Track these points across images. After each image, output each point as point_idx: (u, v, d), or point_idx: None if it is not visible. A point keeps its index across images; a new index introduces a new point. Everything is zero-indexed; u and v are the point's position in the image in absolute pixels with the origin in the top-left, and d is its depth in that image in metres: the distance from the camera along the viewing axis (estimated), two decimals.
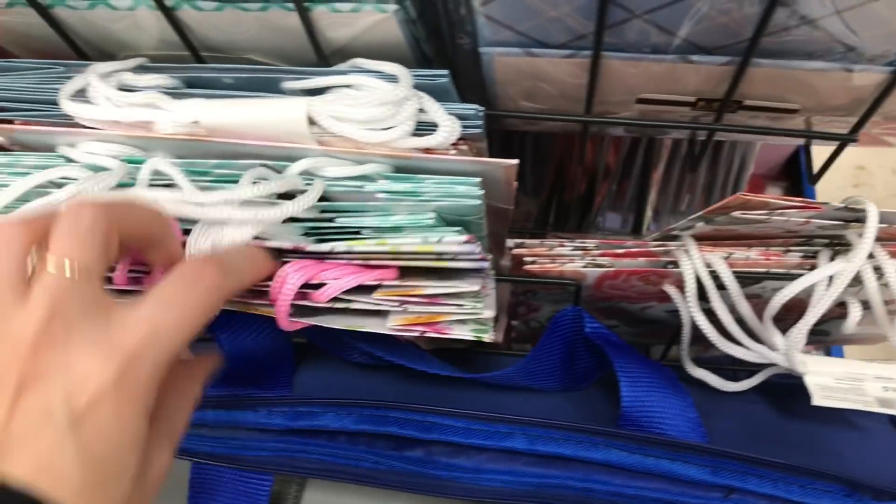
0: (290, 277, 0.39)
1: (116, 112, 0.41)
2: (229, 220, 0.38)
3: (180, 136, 0.41)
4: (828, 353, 0.87)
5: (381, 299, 0.40)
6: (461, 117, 0.40)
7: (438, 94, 0.41)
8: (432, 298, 0.40)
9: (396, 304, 0.40)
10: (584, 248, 0.47)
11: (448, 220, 0.41)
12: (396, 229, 0.41)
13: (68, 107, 0.41)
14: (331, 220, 0.41)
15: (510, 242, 0.50)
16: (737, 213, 0.42)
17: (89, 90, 0.41)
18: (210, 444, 0.48)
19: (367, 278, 0.40)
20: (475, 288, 0.40)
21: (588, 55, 0.40)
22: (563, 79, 0.43)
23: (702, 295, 0.46)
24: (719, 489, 0.44)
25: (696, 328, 0.48)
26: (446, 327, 0.40)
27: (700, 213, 0.44)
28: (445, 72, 0.40)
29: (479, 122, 0.41)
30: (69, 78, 0.42)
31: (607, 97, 0.44)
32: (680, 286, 0.48)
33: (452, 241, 0.38)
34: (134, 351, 0.29)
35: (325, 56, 0.43)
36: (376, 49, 0.42)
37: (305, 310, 0.41)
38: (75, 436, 0.27)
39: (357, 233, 0.42)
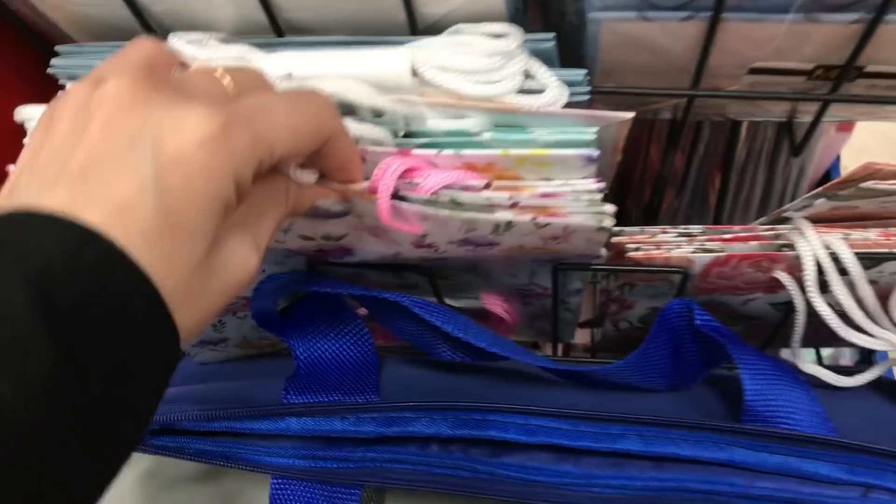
0: (392, 164, 0.36)
1: None
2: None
3: None
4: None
5: (491, 195, 0.38)
6: (568, 83, 0.38)
7: (543, 60, 0.38)
8: (546, 195, 0.38)
9: (506, 198, 0.38)
10: (689, 234, 0.45)
11: None
12: None
13: None
14: None
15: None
16: (867, 184, 0.39)
17: None
18: (292, 457, 0.44)
19: (474, 177, 0.37)
20: (591, 186, 0.38)
21: (706, 17, 0.38)
22: (671, 48, 0.40)
23: None
24: (856, 487, 0.40)
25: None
26: (563, 213, 0.38)
27: (820, 190, 0.41)
28: (551, 35, 0.38)
29: (587, 89, 0.38)
30: None
31: (717, 69, 0.41)
32: (793, 272, 0.45)
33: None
34: (240, 117, 0.27)
35: (418, 32, 0.40)
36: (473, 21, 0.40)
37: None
38: (157, 179, 0.25)
39: None
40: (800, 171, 0.83)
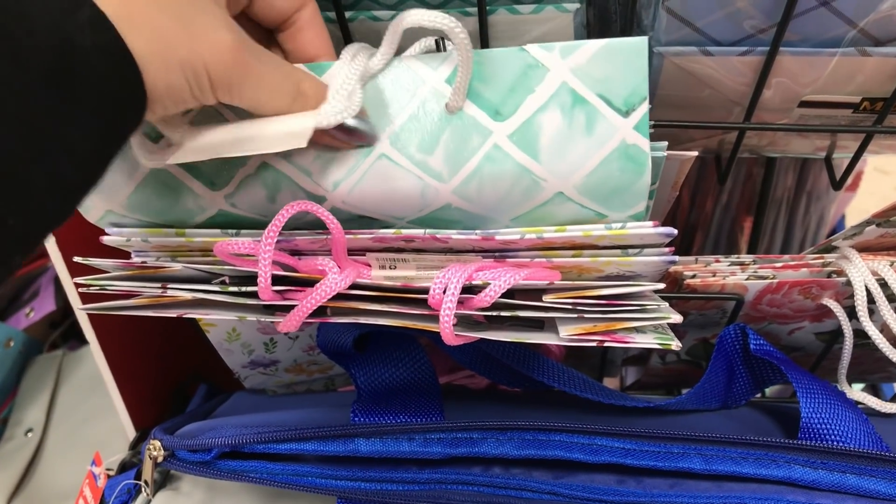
0: (452, 280, 0.35)
1: None
2: None
3: None
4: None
5: (553, 303, 0.37)
6: None
7: None
8: (610, 301, 0.37)
9: (569, 308, 0.37)
10: (741, 263, 0.47)
11: None
12: None
13: None
14: None
15: None
16: None
17: None
18: (358, 480, 0.45)
19: (530, 276, 0.37)
20: (657, 285, 0.38)
21: (763, 52, 0.40)
22: (728, 82, 0.43)
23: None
24: None
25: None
26: (626, 336, 0.37)
27: (870, 217, 0.43)
28: None
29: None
30: None
31: (769, 103, 0.44)
32: (840, 299, 0.47)
33: (639, 225, 0.36)
34: None
35: None
36: None
37: (462, 321, 0.39)
38: None
39: None
40: (819, 219, 0.85)
